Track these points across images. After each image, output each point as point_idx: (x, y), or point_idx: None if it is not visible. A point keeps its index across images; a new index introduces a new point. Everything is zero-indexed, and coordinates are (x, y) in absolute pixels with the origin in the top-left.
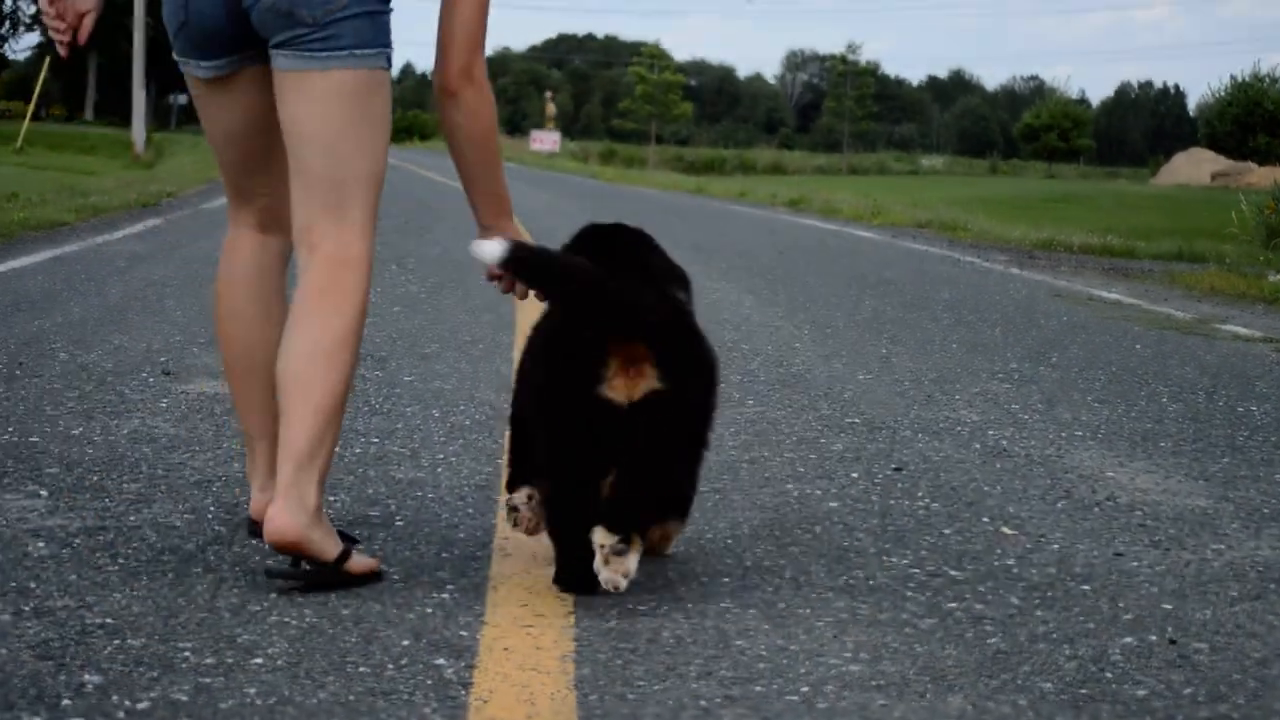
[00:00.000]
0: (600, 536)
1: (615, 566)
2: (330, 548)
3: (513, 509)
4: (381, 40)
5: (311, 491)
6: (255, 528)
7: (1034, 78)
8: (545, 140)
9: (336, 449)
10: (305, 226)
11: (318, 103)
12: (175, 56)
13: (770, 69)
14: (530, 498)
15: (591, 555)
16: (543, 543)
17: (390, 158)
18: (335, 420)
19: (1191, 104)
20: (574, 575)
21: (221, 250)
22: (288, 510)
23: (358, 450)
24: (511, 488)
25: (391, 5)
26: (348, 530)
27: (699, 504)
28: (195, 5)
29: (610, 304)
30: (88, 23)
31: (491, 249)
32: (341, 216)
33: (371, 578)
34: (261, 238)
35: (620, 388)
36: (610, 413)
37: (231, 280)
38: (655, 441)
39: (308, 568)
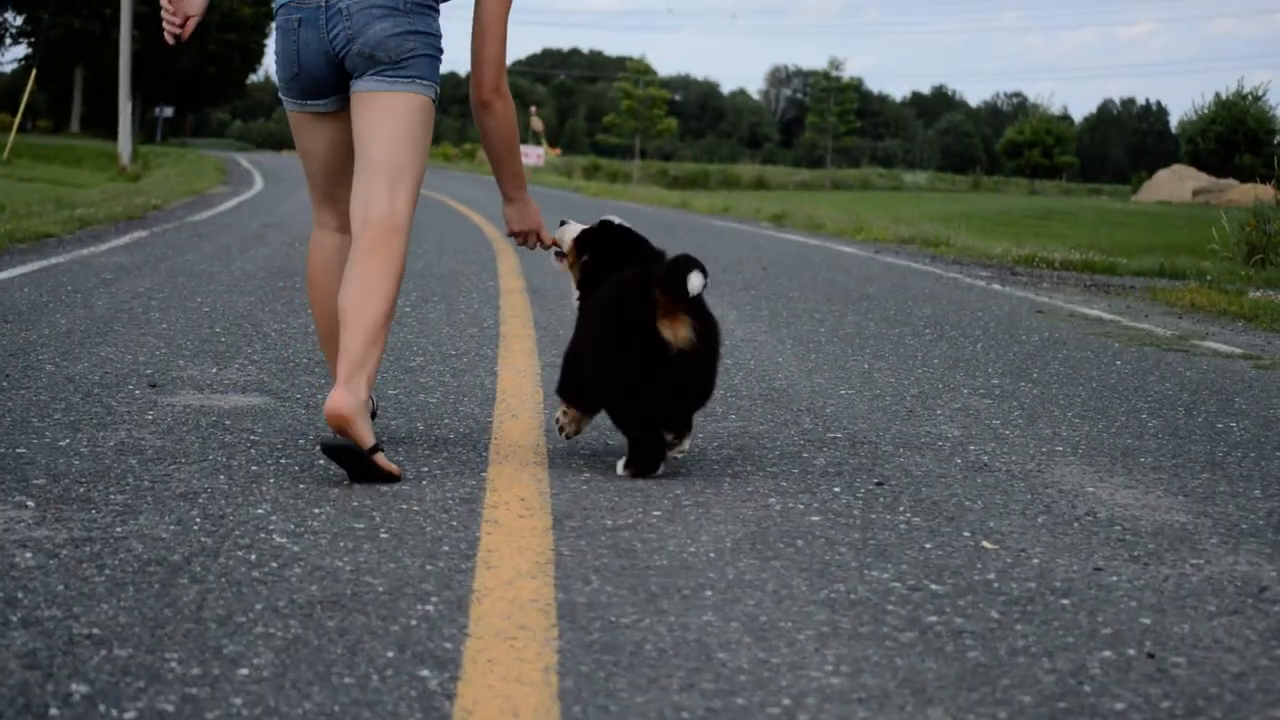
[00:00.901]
0: (670, 437)
1: (681, 446)
2: (367, 437)
3: (557, 420)
4: (435, 78)
5: (362, 388)
6: (336, 442)
7: (1017, 94)
8: (529, 154)
9: (380, 363)
10: (362, 201)
11: (387, 112)
12: (283, 96)
13: (754, 84)
14: (565, 413)
15: (650, 448)
16: (526, 555)
17: None
18: (380, 338)
19: (1174, 121)
20: (642, 462)
21: (308, 247)
22: (344, 396)
23: None
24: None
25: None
26: (342, 533)
27: (681, 518)
28: (305, 60)
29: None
30: (190, 24)
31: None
32: (393, 195)
33: (390, 478)
34: (339, 236)
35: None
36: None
37: (318, 268)
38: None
39: (348, 443)
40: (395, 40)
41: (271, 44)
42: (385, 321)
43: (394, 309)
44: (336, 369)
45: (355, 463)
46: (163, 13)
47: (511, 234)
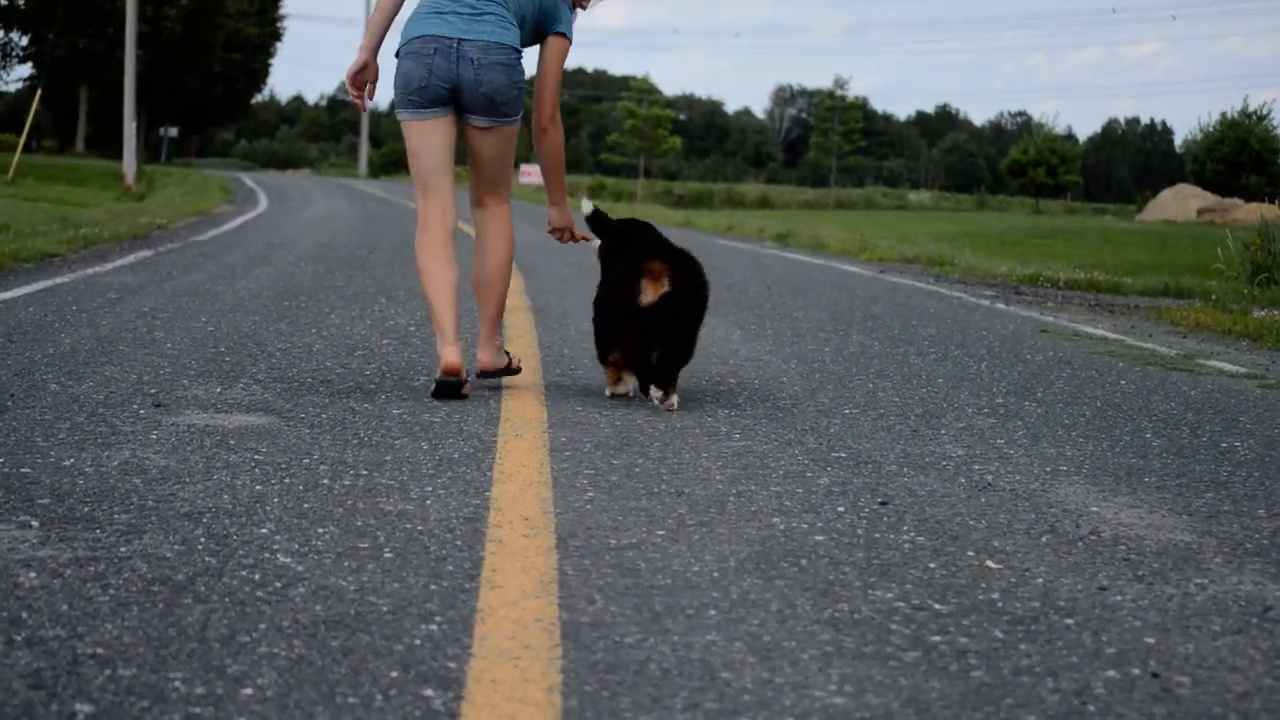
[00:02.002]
0: (654, 391)
1: (669, 402)
2: (504, 364)
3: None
4: (522, 107)
5: (494, 344)
6: (448, 373)
7: (1021, 113)
8: (531, 172)
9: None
10: (477, 198)
11: (494, 140)
12: (400, 110)
13: (759, 104)
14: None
15: (646, 376)
16: (530, 575)
17: (380, 190)
18: (503, 306)
19: (1178, 140)
20: (643, 387)
21: (416, 228)
22: (486, 353)
23: (346, 482)
24: (603, 358)
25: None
26: (343, 554)
27: (685, 537)
28: (433, 80)
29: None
30: (371, 88)
31: (585, 207)
32: (498, 194)
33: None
34: (442, 215)
35: (650, 293)
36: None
37: (424, 244)
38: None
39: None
40: (507, 89)
41: (274, 66)
42: (506, 294)
43: (509, 279)
44: (452, 329)
45: (506, 374)
46: (349, 90)
47: (553, 230)
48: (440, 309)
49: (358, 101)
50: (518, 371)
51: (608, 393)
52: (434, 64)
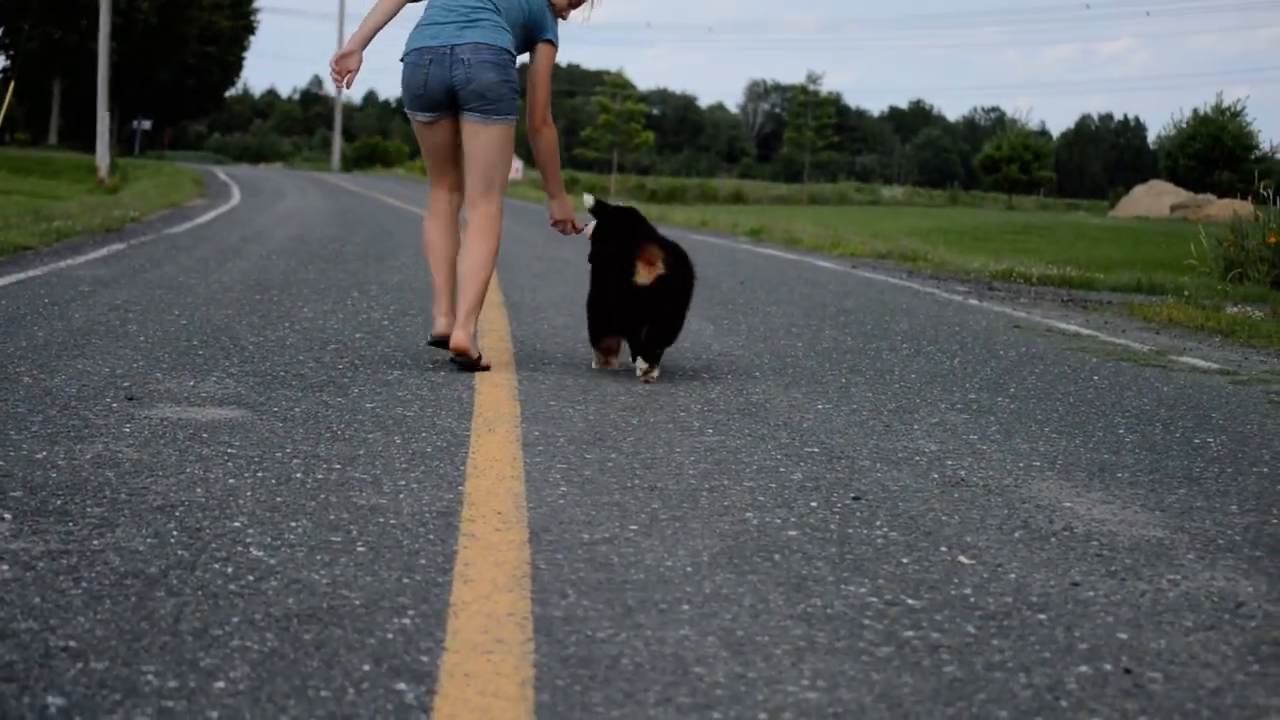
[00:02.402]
0: (640, 364)
1: (651, 375)
2: (476, 355)
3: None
4: (515, 109)
5: (473, 327)
6: (436, 339)
7: (995, 109)
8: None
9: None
10: (471, 197)
11: (487, 139)
12: (407, 109)
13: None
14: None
15: (635, 348)
16: (503, 569)
17: (352, 184)
18: (483, 294)
19: (1151, 136)
20: (634, 356)
21: (426, 208)
22: (464, 334)
23: (319, 476)
24: (596, 341)
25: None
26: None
27: (658, 532)
28: (430, 86)
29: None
30: (351, 77)
31: (586, 201)
32: (488, 194)
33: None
34: (449, 196)
35: (644, 275)
36: (638, 289)
37: (432, 227)
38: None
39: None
40: (497, 86)
41: (247, 59)
42: (486, 284)
43: (492, 272)
44: (444, 309)
45: (473, 369)
46: (331, 73)
47: (555, 223)
48: (436, 277)
49: (337, 81)
50: (486, 369)
51: (594, 365)
52: (430, 73)
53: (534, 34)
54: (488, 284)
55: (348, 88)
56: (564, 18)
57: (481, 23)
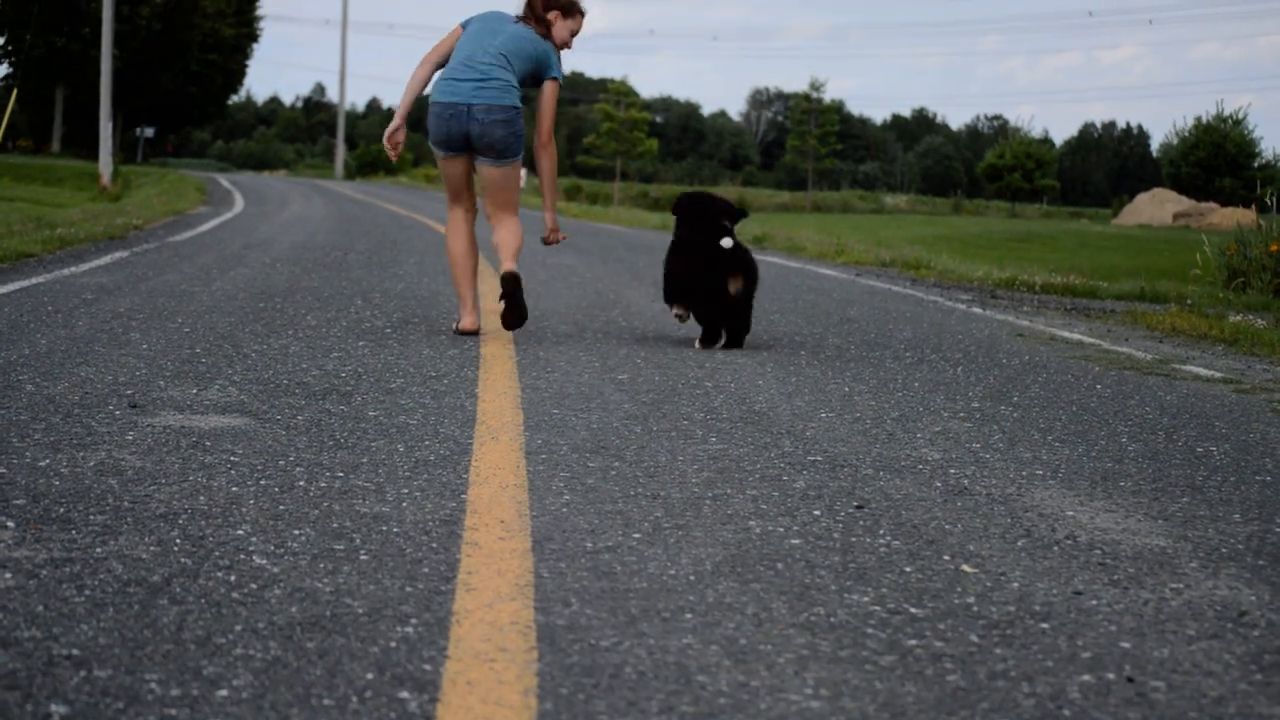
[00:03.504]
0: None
1: (717, 345)
2: (517, 286)
3: (677, 314)
4: (521, 149)
5: (515, 266)
6: (463, 330)
7: (998, 117)
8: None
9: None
10: (489, 214)
11: (499, 173)
12: (433, 146)
13: (735, 106)
14: (684, 306)
15: (718, 327)
16: (506, 578)
17: (356, 192)
18: (519, 250)
19: (1155, 144)
20: (711, 338)
21: (446, 225)
22: (513, 265)
23: (322, 484)
24: (670, 301)
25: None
26: (316, 558)
27: (661, 540)
28: (451, 134)
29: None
30: (400, 147)
31: (725, 243)
32: (505, 211)
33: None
34: (465, 214)
35: (734, 284)
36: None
37: (453, 234)
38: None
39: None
40: (506, 139)
41: (253, 69)
42: (520, 248)
43: (522, 243)
44: (472, 302)
45: (519, 294)
46: (386, 147)
47: (546, 236)
48: (461, 285)
49: (392, 155)
50: (523, 306)
51: (675, 314)
52: (451, 125)
53: (542, 73)
54: (520, 248)
55: (395, 159)
56: (568, 48)
57: (493, 83)
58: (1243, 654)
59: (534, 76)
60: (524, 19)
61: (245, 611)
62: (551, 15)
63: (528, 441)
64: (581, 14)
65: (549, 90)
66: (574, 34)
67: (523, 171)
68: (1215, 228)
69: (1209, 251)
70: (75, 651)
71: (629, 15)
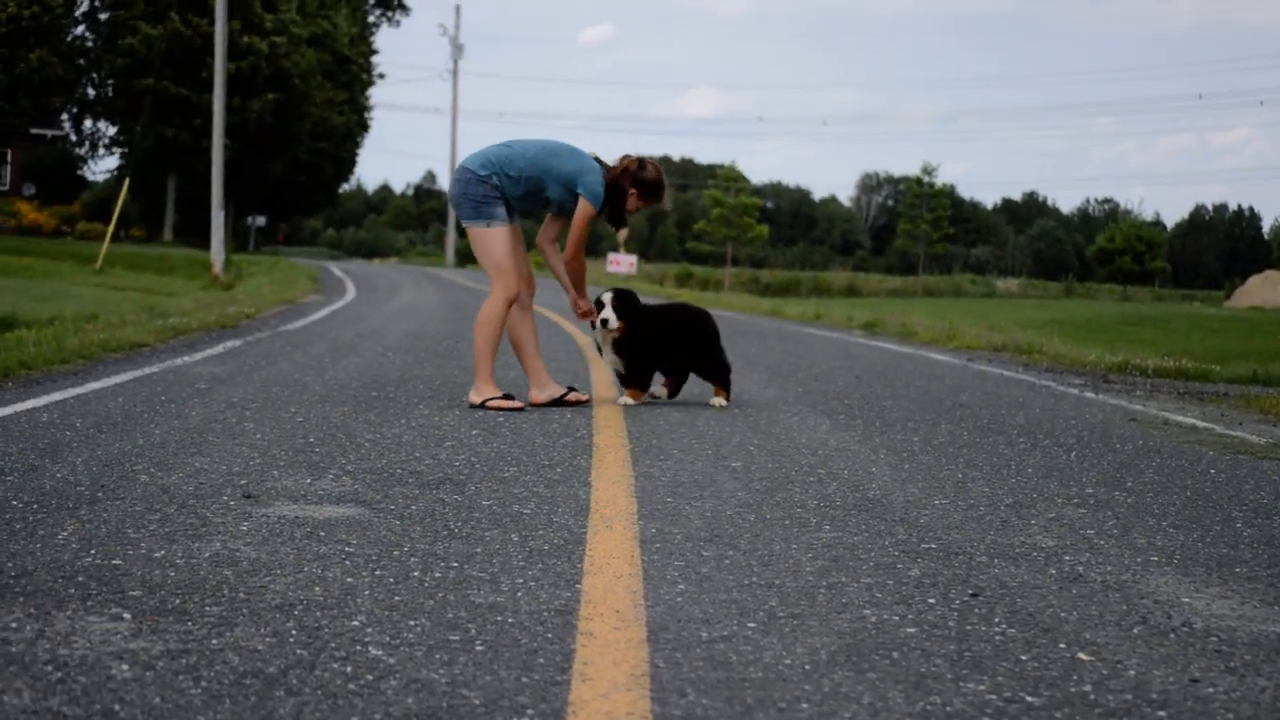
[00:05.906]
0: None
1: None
2: (552, 393)
3: (654, 395)
4: (480, 216)
5: (478, 382)
6: (531, 405)
7: (1109, 200)
8: (622, 262)
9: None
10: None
11: (471, 238)
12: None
13: (845, 191)
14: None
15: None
16: (622, 668)
17: (467, 280)
18: (480, 355)
19: (1266, 226)
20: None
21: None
22: (541, 393)
23: (437, 574)
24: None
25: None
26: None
27: (776, 629)
28: (516, 208)
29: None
30: (593, 314)
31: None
32: (493, 284)
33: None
34: (519, 292)
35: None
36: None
37: (512, 312)
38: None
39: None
40: (456, 197)
41: (364, 158)
42: (481, 345)
43: (486, 339)
44: (529, 370)
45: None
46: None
47: (582, 315)
48: (520, 361)
49: (591, 319)
50: (563, 398)
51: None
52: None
53: (571, 187)
54: (482, 347)
55: (593, 327)
56: (630, 211)
57: (476, 157)
58: None
59: (566, 189)
60: (607, 169)
61: (361, 703)
62: (632, 191)
63: (642, 530)
64: (658, 203)
65: (581, 207)
66: (638, 210)
67: (632, 259)
68: None
69: None
70: None
71: (739, 101)
